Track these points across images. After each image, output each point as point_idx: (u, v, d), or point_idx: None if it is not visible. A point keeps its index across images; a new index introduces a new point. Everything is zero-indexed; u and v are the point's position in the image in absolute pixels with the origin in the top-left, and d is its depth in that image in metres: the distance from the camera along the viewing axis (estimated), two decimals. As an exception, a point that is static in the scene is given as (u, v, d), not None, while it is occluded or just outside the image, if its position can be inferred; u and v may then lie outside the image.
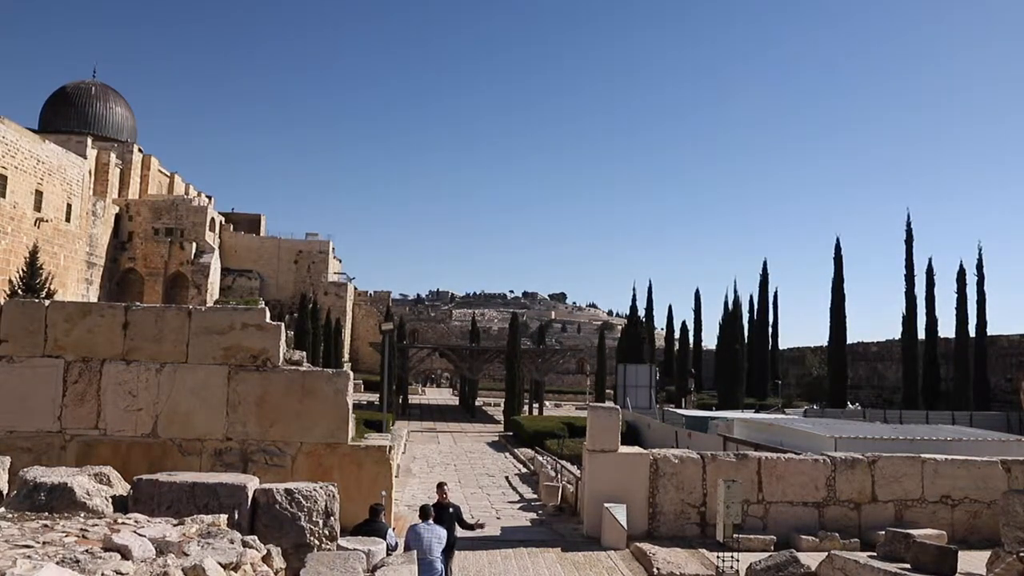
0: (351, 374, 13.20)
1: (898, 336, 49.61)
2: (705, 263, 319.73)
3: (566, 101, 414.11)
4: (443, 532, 9.80)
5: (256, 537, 6.22)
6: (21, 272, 43.00)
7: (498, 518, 17.36)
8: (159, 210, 67.45)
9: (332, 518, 7.17)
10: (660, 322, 73.71)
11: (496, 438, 37.27)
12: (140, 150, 71.50)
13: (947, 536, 13.75)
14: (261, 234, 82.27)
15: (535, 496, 20.99)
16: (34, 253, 43.80)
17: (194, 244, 67.83)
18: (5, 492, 7.12)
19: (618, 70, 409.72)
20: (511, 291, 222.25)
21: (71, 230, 56.07)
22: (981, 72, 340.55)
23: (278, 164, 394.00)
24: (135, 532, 5.41)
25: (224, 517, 6.44)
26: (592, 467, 14.65)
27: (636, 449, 15.70)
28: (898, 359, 50.38)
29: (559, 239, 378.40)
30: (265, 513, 6.99)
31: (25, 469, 6.94)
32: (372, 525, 9.38)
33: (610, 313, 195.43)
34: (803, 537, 13.61)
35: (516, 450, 31.47)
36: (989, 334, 46.09)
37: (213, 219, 72.30)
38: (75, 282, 57.22)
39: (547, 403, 51.51)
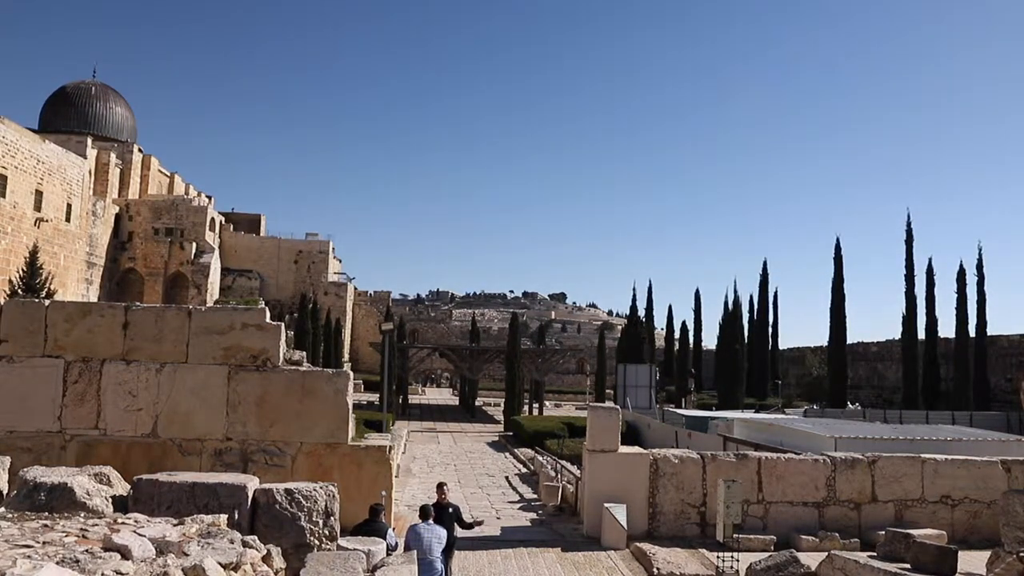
0: (351, 374, 13.21)
1: (898, 336, 49.62)
2: (705, 263, 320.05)
3: (566, 101, 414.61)
4: (443, 532, 9.80)
5: (256, 537, 6.22)
6: (21, 272, 43.00)
7: (498, 518, 17.36)
8: (159, 210, 67.47)
9: (332, 518, 7.18)
10: (660, 322, 73.86)
11: (496, 438, 37.27)
12: (140, 150, 71.51)
13: (947, 536, 13.75)
14: (261, 234, 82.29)
15: (535, 496, 20.99)
16: (34, 253, 43.80)
17: (194, 244, 67.84)
18: (5, 492, 7.12)
19: (618, 70, 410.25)
20: (511, 291, 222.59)
21: (71, 230, 56.08)
22: (981, 72, 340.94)
23: (278, 164, 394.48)
24: (135, 532, 5.41)
25: (224, 517, 6.44)
26: (592, 467, 14.65)
27: (636, 449, 15.70)
28: (898, 359, 50.38)
29: (559, 239, 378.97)
30: (265, 513, 6.99)
31: (25, 469, 6.94)
32: (372, 525, 9.38)
33: (610, 313, 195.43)
34: (803, 537, 13.61)
35: (516, 450, 31.46)
36: (989, 334, 46.09)
37: (213, 219, 72.31)
38: (75, 282, 57.23)
39: (547, 403, 51.52)
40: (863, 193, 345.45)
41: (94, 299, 58.23)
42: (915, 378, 47.07)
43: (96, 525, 5.79)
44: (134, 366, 12.20)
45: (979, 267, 45.79)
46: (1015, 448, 19.54)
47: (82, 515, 6.24)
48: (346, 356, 74.77)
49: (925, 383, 46.70)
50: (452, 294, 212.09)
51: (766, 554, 11.75)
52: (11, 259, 46.82)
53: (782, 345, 64.55)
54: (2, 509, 6.35)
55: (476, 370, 51.24)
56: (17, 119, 50.35)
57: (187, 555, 5.19)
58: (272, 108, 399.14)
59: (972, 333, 45.72)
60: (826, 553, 11.02)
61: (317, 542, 6.98)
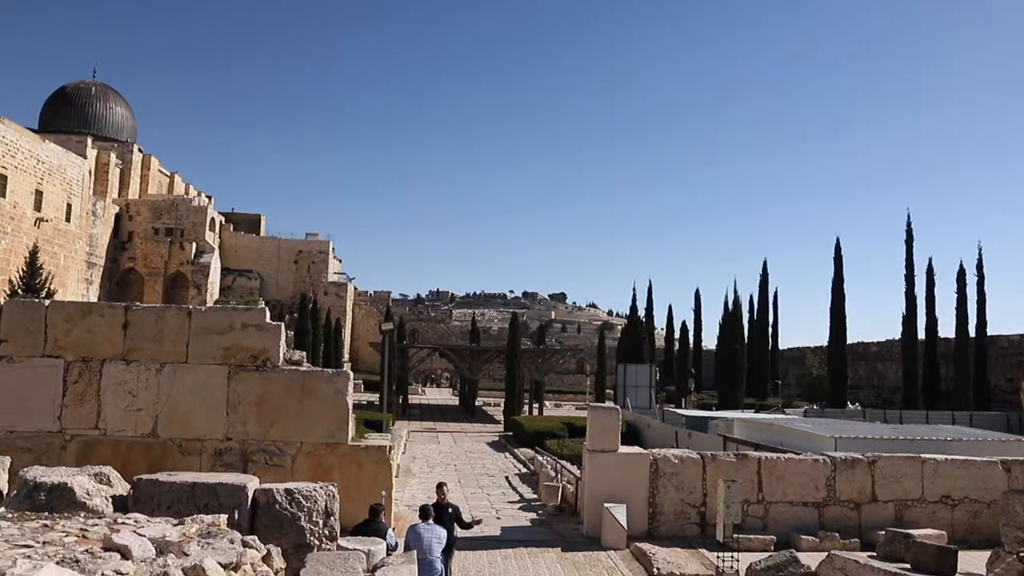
0: (351, 374, 13.21)
1: (898, 336, 49.62)
2: (705, 263, 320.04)
3: (566, 101, 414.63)
4: (443, 532, 9.80)
5: (256, 537, 6.22)
6: (21, 272, 43.00)
7: (498, 518, 17.36)
8: (159, 210, 67.46)
9: (332, 518, 7.18)
10: (660, 322, 73.86)
11: (496, 438, 37.26)
12: (140, 150, 71.52)
13: (947, 536, 13.75)
14: (261, 234, 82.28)
15: (535, 496, 20.98)
16: (34, 253, 43.80)
17: (194, 244, 67.84)
18: (5, 492, 7.12)
19: (618, 70, 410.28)
20: (511, 291, 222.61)
21: (71, 230, 56.07)
22: (981, 72, 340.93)
23: (278, 164, 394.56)
24: (135, 532, 5.41)
25: (224, 517, 6.44)
26: (592, 467, 14.64)
27: (636, 449, 15.70)
28: (898, 359, 50.38)
29: (559, 239, 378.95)
30: (265, 513, 6.99)
31: (25, 469, 6.94)
32: (372, 525, 9.38)
33: (610, 313, 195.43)
34: (803, 537, 13.61)
35: (516, 450, 31.46)
36: (989, 334, 46.10)
37: (213, 219, 72.31)
38: (75, 282, 57.22)
39: (547, 403, 51.52)
40: (863, 193, 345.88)
41: (94, 299, 58.23)
42: (915, 378, 47.07)
43: (96, 525, 5.79)
44: (134, 366, 12.20)
45: (979, 267, 45.83)
46: (1015, 448, 19.53)
47: (82, 515, 6.24)
48: (346, 356, 74.78)
49: (925, 383, 46.70)
50: (452, 294, 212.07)
51: (766, 554, 11.75)
52: (11, 259, 46.82)
53: (782, 345, 64.65)
54: (2, 509, 6.35)
55: (476, 370, 51.25)
56: (17, 119, 50.44)
57: (187, 555, 5.19)
58: (272, 108, 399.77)
59: (972, 333, 45.72)
60: (826, 553, 11.02)
61: (317, 542, 6.98)
